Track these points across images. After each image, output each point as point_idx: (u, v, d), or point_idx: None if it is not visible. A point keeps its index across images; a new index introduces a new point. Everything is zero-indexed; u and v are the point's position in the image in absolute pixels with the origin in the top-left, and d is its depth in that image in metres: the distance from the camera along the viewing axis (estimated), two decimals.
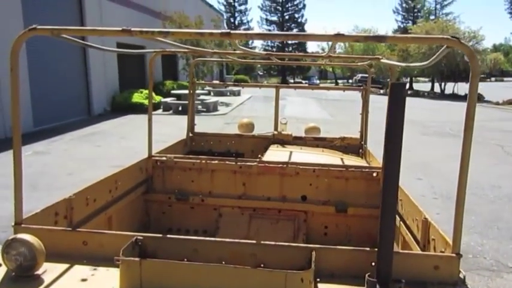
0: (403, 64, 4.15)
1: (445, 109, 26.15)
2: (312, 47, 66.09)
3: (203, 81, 14.83)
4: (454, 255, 1.70)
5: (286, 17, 65.54)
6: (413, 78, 49.60)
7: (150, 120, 3.76)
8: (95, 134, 13.74)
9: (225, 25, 49.42)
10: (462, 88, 38.31)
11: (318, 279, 1.65)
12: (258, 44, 67.83)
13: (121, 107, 18.71)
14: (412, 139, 14.27)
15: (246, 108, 18.65)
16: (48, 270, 1.67)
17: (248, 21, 72.55)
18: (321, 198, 3.64)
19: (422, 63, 2.85)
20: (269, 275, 1.50)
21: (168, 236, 1.88)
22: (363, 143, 4.98)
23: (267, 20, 66.80)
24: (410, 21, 55.15)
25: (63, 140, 12.58)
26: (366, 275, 1.55)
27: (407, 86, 47.42)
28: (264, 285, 1.48)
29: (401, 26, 60.36)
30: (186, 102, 22.31)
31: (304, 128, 6.16)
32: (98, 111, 18.32)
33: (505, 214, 6.64)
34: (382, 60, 3.61)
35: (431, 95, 40.56)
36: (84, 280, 1.63)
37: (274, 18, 66.29)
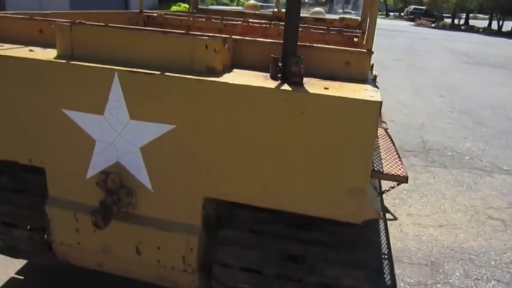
0: None
1: (497, 44, 24.55)
2: None
3: None
4: (365, 50, 1.68)
5: None
6: (470, 15, 46.20)
7: None
8: None
9: None
10: None
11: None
12: None
13: None
14: (450, 66, 13.74)
15: None
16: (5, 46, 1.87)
17: None
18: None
19: None
20: (178, 39, 1.62)
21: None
22: (364, 24, 4.90)
23: None
24: None
25: None
26: (272, 55, 1.61)
27: (463, 21, 44.27)
28: (174, 49, 1.62)
29: None
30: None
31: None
32: None
33: None
34: None
35: (486, 31, 37.88)
36: (31, 51, 1.83)
37: None
